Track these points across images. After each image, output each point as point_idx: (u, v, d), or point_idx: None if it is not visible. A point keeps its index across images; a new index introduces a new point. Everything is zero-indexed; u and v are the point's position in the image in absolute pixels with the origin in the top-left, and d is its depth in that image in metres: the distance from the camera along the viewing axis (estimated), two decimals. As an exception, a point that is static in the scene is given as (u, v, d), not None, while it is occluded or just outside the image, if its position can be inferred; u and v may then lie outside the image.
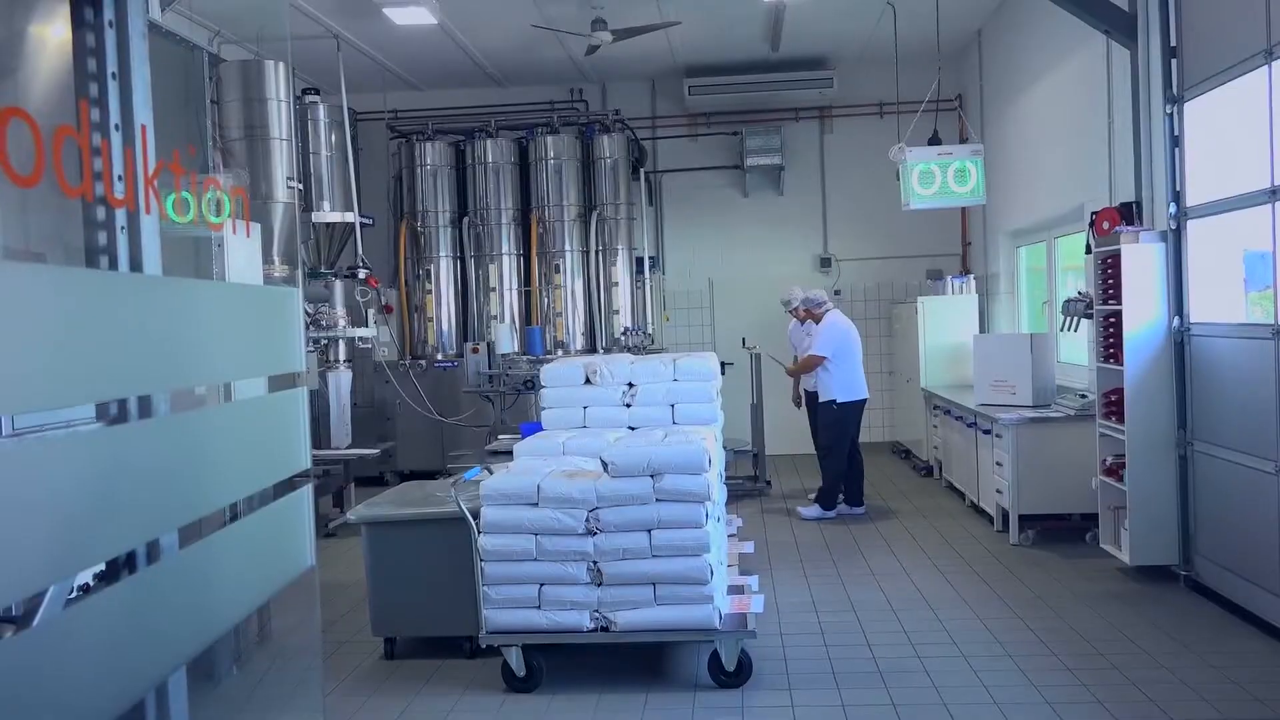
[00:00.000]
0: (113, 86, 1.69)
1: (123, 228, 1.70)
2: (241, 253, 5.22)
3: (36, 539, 1.35)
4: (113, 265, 1.71)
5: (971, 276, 11.05)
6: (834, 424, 8.59)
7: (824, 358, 8.55)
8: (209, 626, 1.80)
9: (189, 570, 1.74)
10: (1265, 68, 5.19)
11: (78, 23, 1.65)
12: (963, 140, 10.63)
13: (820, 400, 8.67)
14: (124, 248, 1.71)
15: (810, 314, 8.91)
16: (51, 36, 4.38)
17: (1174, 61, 6.20)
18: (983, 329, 10.79)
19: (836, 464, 8.55)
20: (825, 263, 12.48)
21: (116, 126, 1.69)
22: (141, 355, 1.57)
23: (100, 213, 1.67)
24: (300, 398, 2.18)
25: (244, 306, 2.03)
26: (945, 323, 10.47)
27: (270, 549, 2.05)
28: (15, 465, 1.36)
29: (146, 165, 1.71)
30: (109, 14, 1.64)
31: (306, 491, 2.21)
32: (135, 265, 1.74)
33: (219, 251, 5.04)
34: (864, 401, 8.71)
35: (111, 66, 1.68)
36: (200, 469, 1.77)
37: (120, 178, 1.68)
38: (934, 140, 9.32)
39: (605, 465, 4.85)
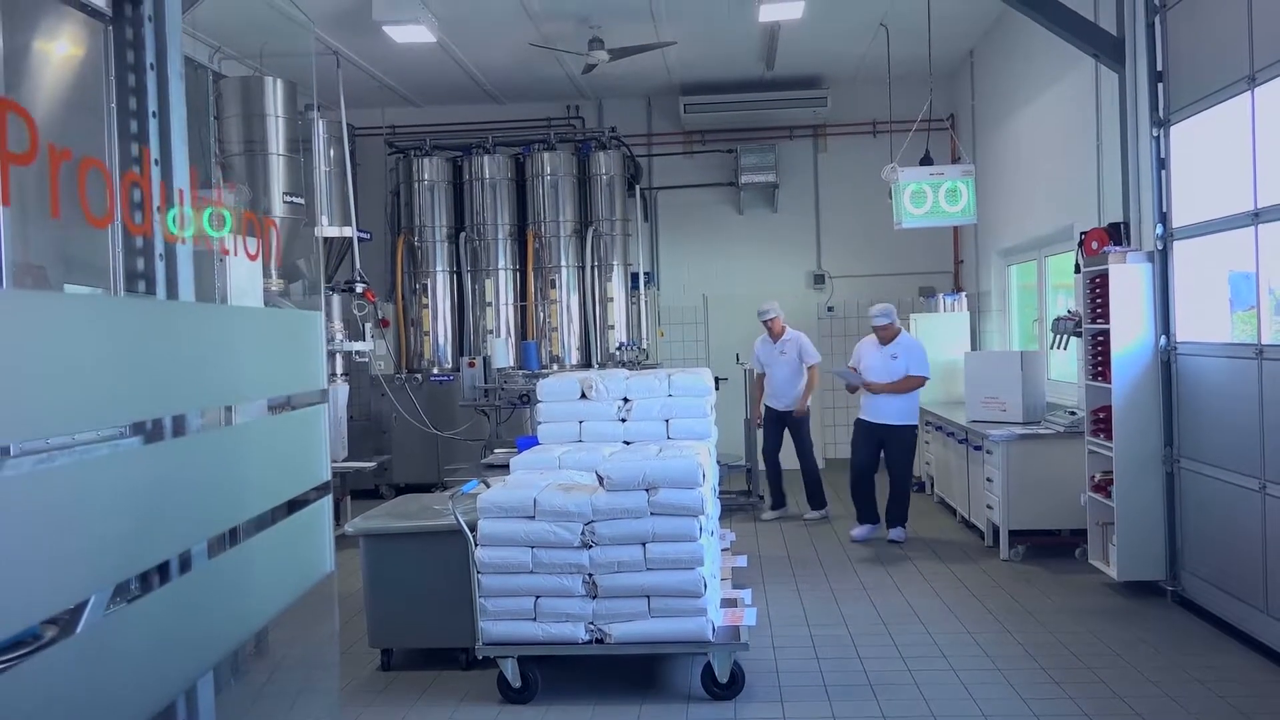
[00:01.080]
0: (153, 124, 1.78)
1: (161, 255, 1.79)
2: (242, 269, 5.28)
3: (84, 548, 1.43)
4: (149, 289, 1.80)
5: (963, 294, 11.16)
6: (910, 449, 8.45)
7: (927, 379, 8.28)
8: (239, 629, 1.89)
9: (222, 576, 1.82)
10: (1248, 93, 5.32)
11: (120, 65, 1.74)
12: (954, 160, 10.76)
13: (898, 424, 8.28)
14: (162, 274, 1.80)
15: (885, 331, 8.39)
16: (55, 52, 4.46)
17: (1161, 86, 6.32)
18: (974, 346, 10.89)
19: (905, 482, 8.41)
20: (819, 279, 12.58)
21: (156, 161, 1.78)
22: (180, 376, 1.65)
23: (139, 241, 1.77)
24: (321, 414, 2.27)
25: (271, 329, 2.11)
26: (937, 340, 10.53)
27: (294, 556, 2.13)
28: (64, 481, 1.44)
29: (195, 198, 1.81)
30: (149, 58, 1.73)
31: (327, 501, 2.30)
32: (171, 290, 1.83)
33: (220, 267, 5.09)
34: None
35: (152, 106, 1.78)
36: (232, 482, 1.86)
37: (159, 209, 1.77)
38: (926, 160, 9.42)
39: (601, 479, 4.91)
